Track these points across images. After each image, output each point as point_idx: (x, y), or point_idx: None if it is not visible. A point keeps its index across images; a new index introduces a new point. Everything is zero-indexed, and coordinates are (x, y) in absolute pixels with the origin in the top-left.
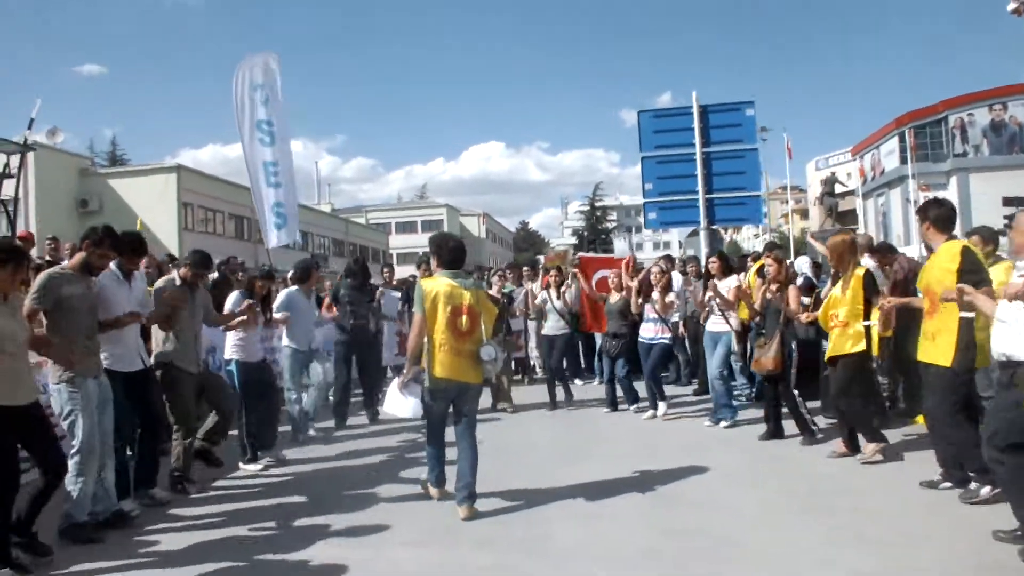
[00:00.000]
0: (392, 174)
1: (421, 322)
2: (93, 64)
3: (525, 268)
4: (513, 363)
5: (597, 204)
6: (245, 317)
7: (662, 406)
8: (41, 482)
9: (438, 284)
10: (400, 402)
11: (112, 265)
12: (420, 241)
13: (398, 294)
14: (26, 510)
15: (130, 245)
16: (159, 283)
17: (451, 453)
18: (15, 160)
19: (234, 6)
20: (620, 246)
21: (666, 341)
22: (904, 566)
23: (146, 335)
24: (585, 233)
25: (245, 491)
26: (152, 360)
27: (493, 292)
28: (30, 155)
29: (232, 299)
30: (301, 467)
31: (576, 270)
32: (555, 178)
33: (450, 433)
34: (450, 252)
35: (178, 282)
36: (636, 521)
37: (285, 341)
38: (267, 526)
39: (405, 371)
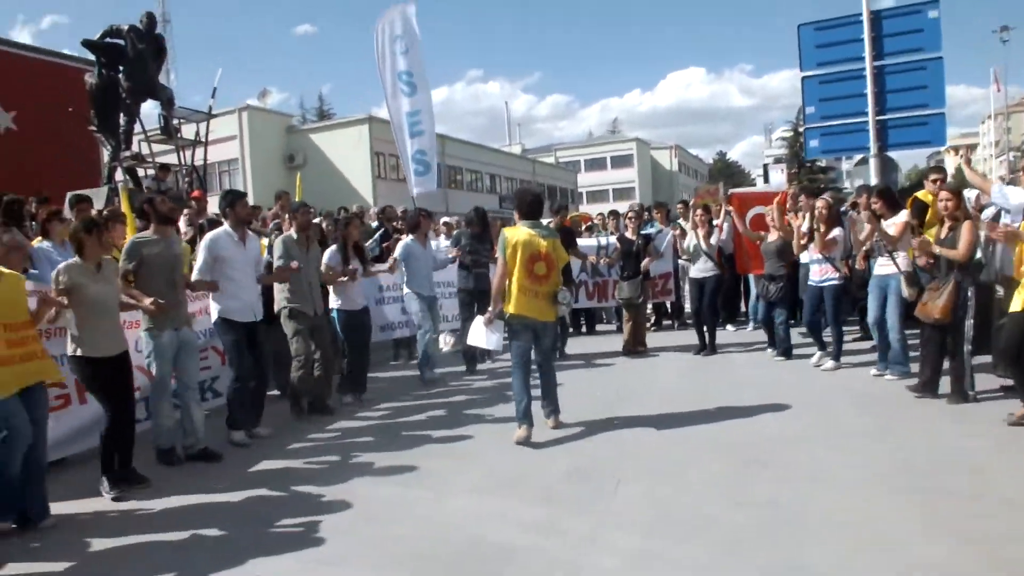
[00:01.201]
0: (587, 110)
1: (503, 267)
2: (307, 24)
3: (679, 205)
4: (651, 307)
5: (801, 129)
6: (346, 280)
7: (828, 358)
8: (106, 422)
9: (518, 233)
10: (484, 336)
11: (227, 226)
12: (610, 178)
13: None
14: (119, 448)
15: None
16: (278, 240)
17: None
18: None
19: None
20: (776, 179)
21: (835, 281)
22: None
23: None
24: (784, 161)
25: (329, 432)
26: (276, 307)
27: (628, 234)
28: (244, 116)
29: (328, 254)
30: (385, 416)
31: (729, 207)
32: (760, 103)
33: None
34: (528, 205)
35: (295, 236)
36: (712, 487)
37: (407, 289)
38: (340, 461)
39: (490, 309)
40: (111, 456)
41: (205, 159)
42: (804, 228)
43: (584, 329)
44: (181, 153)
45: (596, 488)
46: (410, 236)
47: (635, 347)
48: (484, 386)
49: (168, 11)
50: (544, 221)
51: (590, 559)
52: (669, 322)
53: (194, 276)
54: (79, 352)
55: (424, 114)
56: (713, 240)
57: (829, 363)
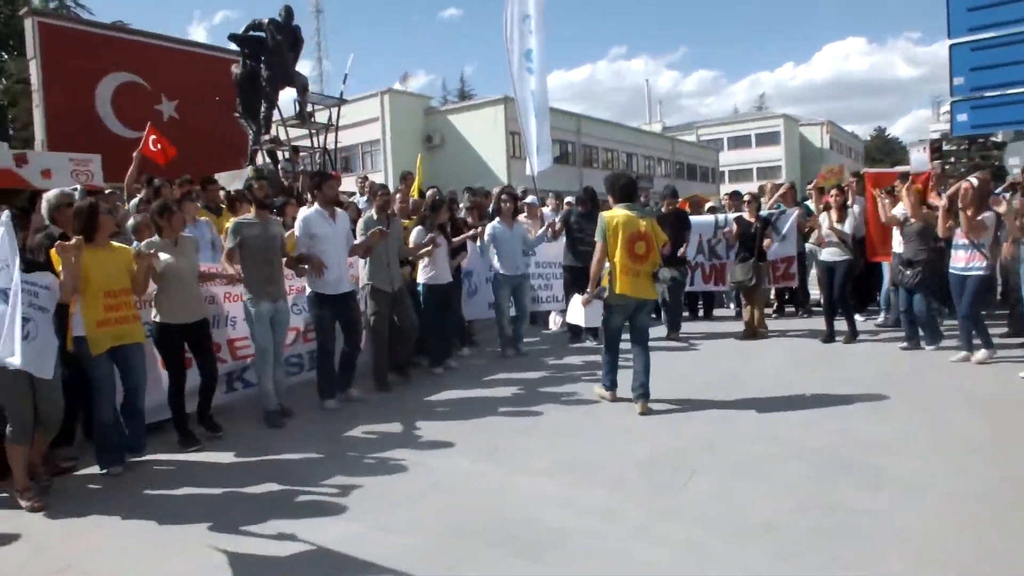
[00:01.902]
0: (735, 85)
1: (603, 249)
2: (453, 8)
3: (808, 186)
4: (774, 292)
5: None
6: (429, 248)
7: (981, 352)
8: (200, 381)
9: (617, 215)
10: (581, 313)
11: (317, 206)
12: (755, 156)
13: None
14: (200, 400)
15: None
16: (360, 220)
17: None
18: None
19: None
20: (918, 157)
21: (981, 271)
22: None
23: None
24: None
25: (413, 403)
26: (360, 283)
27: (745, 215)
28: (386, 99)
29: (415, 232)
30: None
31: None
32: (927, 73)
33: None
34: (621, 189)
35: (375, 216)
36: (786, 488)
37: (497, 267)
38: (419, 432)
39: (588, 289)
40: (179, 413)
41: (336, 141)
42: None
43: (701, 313)
44: (315, 137)
45: (667, 479)
46: (497, 220)
47: (752, 332)
48: (575, 363)
49: (321, 1)
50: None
51: (638, 549)
52: (792, 309)
53: (296, 253)
54: (157, 318)
55: (540, 95)
56: (847, 225)
57: (982, 353)
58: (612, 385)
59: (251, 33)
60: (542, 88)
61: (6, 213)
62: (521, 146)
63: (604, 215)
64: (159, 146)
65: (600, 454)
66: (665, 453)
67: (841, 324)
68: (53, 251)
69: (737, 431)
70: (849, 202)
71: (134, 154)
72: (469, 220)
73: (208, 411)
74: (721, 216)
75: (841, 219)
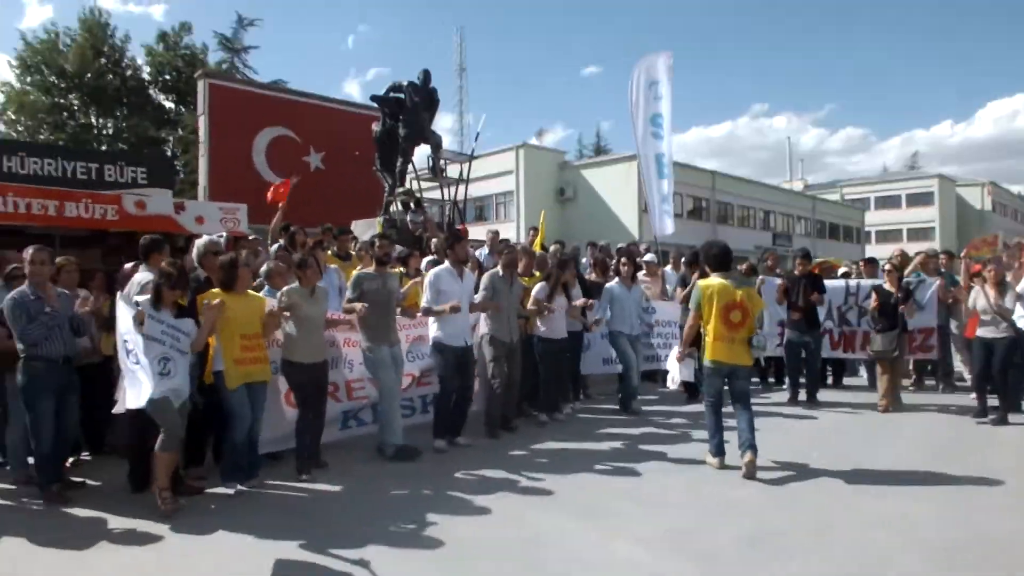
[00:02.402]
0: (886, 143)
1: (695, 317)
2: (594, 66)
3: (942, 256)
4: (912, 363)
5: None
6: (542, 310)
7: None
8: (299, 415)
9: (712, 284)
10: (677, 370)
11: (448, 263)
12: (905, 217)
13: (778, 280)
14: (312, 434)
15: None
16: (486, 276)
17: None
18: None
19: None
20: None
21: None
22: None
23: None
24: None
25: (520, 452)
26: (479, 333)
27: (885, 285)
28: (521, 153)
29: (537, 287)
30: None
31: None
32: None
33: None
34: (714, 258)
35: (500, 273)
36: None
37: (615, 326)
38: (522, 482)
39: (680, 349)
40: (303, 443)
41: (466, 195)
42: None
43: (830, 381)
44: (445, 190)
45: (767, 562)
46: (616, 280)
47: (888, 404)
48: (686, 424)
49: (464, 60)
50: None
51: None
52: (933, 382)
53: (423, 305)
54: (289, 358)
55: (669, 157)
56: (1008, 300)
57: None
58: (719, 451)
59: (391, 94)
60: (667, 153)
61: (144, 298)
62: None
63: (699, 284)
64: (280, 190)
65: (699, 526)
66: (769, 533)
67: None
68: (200, 297)
69: (854, 516)
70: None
71: (280, 204)
72: (592, 277)
73: (319, 445)
74: (853, 282)
75: (1001, 293)
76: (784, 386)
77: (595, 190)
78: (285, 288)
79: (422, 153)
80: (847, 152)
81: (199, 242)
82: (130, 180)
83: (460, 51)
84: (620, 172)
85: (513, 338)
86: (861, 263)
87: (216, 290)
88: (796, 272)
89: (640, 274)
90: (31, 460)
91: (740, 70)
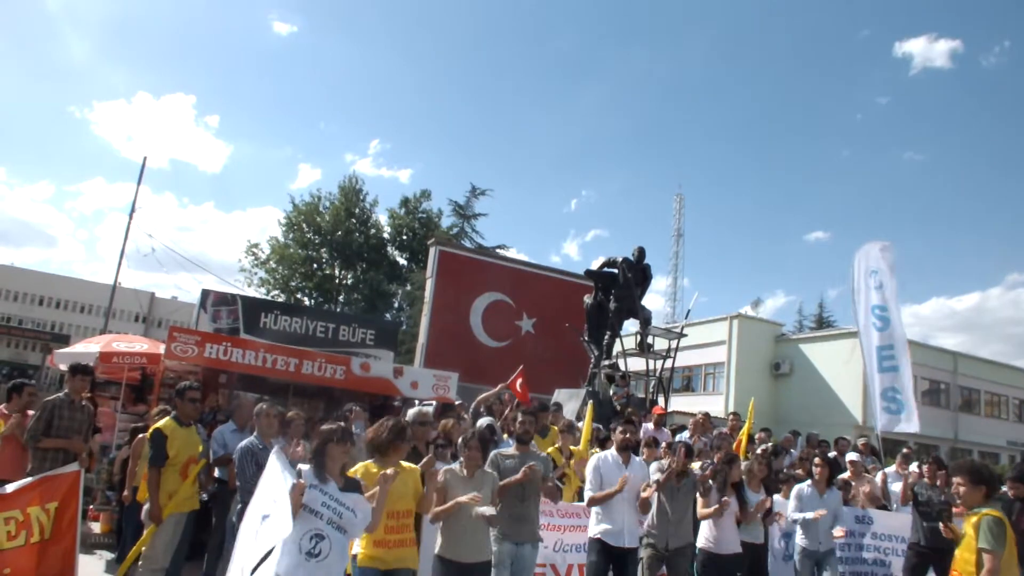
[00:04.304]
0: None
1: (995, 559)
2: (820, 231)
3: None
4: None
5: None
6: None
7: None
8: None
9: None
10: None
11: (613, 449)
12: None
13: None
14: None
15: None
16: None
17: None
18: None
19: None
20: None
21: None
22: None
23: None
24: None
25: None
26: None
27: None
28: (735, 324)
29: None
30: None
31: None
32: None
33: None
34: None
35: (667, 468)
36: None
37: (800, 538)
38: None
39: None
40: None
41: (672, 371)
42: None
43: None
44: (651, 363)
45: None
46: (807, 482)
47: None
48: None
49: (683, 226)
50: None
51: None
52: None
53: (587, 495)
54: (440, 553)
55: (897, 350)
56: None
57: None
58: None
59: (605, 269)
60: (901, 344)
61: (276, 448)
62: None
63: (990, 516)
64: (523, 388)
65: None
66: None
67: None
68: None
69: None
70: None
71: (501, 385)
72: (799, 473)
73: None
74: None
75: None
76: None
77: (814, 366)
78: (445, 467)
79: (632, 328)
80: None
81: (411, 412)
82: (360, 340)
83: (679, 216)
84: (843, 348)
85: (671, 544)
86: None
87: (370, 461)
88: (1011, 495)
89: (844, 476)
90: None
91: (993, 235)
